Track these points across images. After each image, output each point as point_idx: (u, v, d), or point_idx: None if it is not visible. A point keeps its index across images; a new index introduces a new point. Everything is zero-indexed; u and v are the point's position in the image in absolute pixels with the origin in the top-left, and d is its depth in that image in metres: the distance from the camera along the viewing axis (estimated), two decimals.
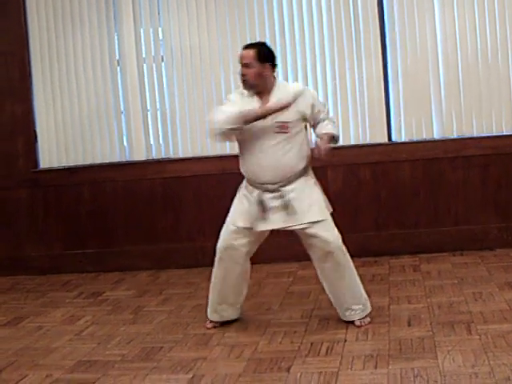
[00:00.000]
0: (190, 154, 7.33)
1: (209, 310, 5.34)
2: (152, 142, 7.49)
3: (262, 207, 4.99)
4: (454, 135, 7.01)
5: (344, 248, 5.04)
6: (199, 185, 7.28)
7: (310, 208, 4.97)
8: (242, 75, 5.02)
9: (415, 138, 7.05)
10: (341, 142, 6.91)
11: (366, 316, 5.06)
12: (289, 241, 6.96)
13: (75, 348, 5.08)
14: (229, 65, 7.22)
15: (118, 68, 7.53)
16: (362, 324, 5.00)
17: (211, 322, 5.31)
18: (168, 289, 6.57)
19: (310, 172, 5.17)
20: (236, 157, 7.15)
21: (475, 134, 6.97)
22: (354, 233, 6.99)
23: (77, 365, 4.73)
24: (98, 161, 7.55)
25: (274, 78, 5.11)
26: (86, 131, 7.57)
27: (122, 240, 7.45)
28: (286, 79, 7.06)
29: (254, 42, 5.24)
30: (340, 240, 5.02)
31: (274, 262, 7.01)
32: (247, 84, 5.03)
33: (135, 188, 7.45)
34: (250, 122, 4.89)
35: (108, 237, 7.50)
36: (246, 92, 5.10)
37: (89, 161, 7.57)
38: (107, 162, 7.54)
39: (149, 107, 7.52)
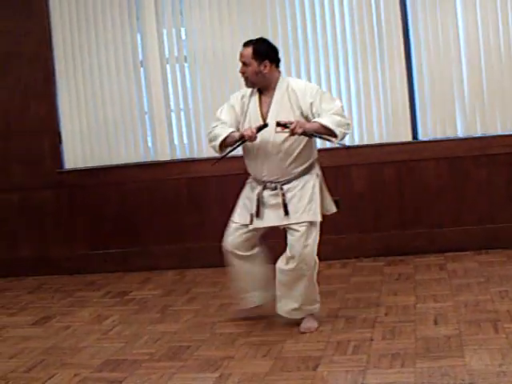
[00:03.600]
0: (214, 154, 7.31)
1: (239, 299, 5.40)
2: (176, 142, 7.52)
3: (260, 204, 5.05)
4: (478, 133, 6.98)
5: (315, 261, 5.00)
6: (223, 184, 7.29)
7: (306, 208, 4.97)
8: (241, 73, 5.06)
9: (439, 136, 7.04)
10: (365, 141, 7.01)
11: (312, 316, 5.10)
12: None
13: (102, 347, 5.12)
14: None
15: (142, 69, 7.56)
16: (309, 329, 5.01)
17: (245, 307, 5.37)
18: (194, 288, 6.60)
19: (315, 170, 5.14)
20: None
21: (499, 132, 6.94)
22: (378, 232, 7.01)
23: (104, 364, 4.76)
24: (123, 161, 7.59)
25: (279, 73, 5.09)
26: (111, 132, 7.61)
27: (147, 240, 7.49)
28: (309, 77, 7.08)
29: (253, 38, 5.14)
30: (312, 252, 4.98)
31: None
32: (248, 82, 5.07)
33: (160, 188, 7.48)
34: (233, 146, 5.01)
35: (133, 236, 7.53)
36: (248, 91, 5.13)
37: (114, 161, 7.60)
38: (132, 162, 7.57)
39: (172, 107, 7.54)
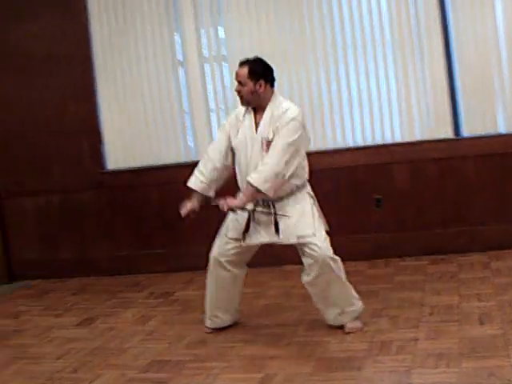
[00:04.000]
0: None
1: (205, 316, 5.45)
2: None
3: (252, 221, 5.09)
4: None
5: (333, 260, 4.99)
6: None
7: (296, 224, 4.99)
8: (237, 92, 5.10)
9: (480, 132, 6.97)
10: (406, 139, 6.98)
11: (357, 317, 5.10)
12: (355, 240, 7.02)
13: (147, 348, 5.17)
14: (289, 63, 7.23)
15: (181, 68, 7.59)
16: (355, 329, 5.03)
17: (208, 327, 5.42)
18: None
19: (306, 189, 5.17)
20: None
21: None
22: (420, 230, 6.97)
23: (149, 364, 4.80)
24: (164, 161, 7.62)
25: (273, 92, 5.13)
26: (151, 132, 7.65)
27: (189, 240, 7.50)
28: (348, 77, 7.06)
29: (249, 58, 5.16)
30: (328, 251, 4.97)
31: (341, 261, 6.98)
32: (243, 101, 5.11)
33: None
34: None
35: (176, 237, 7.56)
36: (243, 109, 5.18)
37: (154, 161, 7.64)
38: (173, 162, 7.60)
39: (212, 107, 7.57)
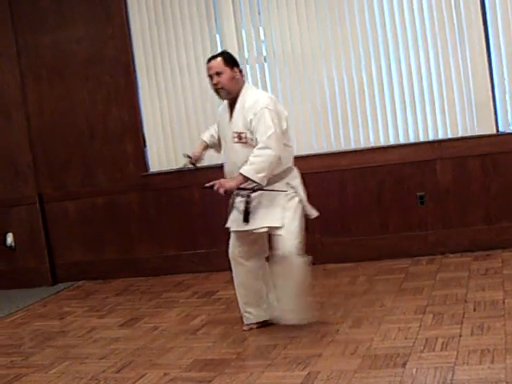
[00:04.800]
0: (295, 153, 7.30)
1: (242, 314, 5.50)
2: None
3: (235, 209, 5.24)
4: None
5: (300, 256, 5.06)
6: (305, 183, 7.25)
7: (266, 214, 5.07)
8: (215, 85, 5.16)
9: None
10: (449, 135, 6.92)
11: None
12: (399, 237, 6.98)
13: (191, 347, 5.17)
14: (330, 61, 7.21)
15: None
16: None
17: (246, 324, 5.45)
18: None
19: (287, 180, 5.21)
20: (340, 154, 7.19)
21: None
22: (464, 227, 6.90)
23: (193, 363, 4.81)
24: (205, 163, 7.60)
25: (243, 82, 5.23)
26: (194, 134, 7.65)
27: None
28: (391, 75, 7.02)
29: (215, 53, 5.34)
30: (291, 247, 5.02)
31: (384, 258, 6.97)
32: (223, 92, 5.17)
33: None
34: None
35: (219, 236, 7.53)
36: (225, 103, 5.31)
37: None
38: (215, 163, 7.60)
39: None
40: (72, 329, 6.13)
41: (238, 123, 5.12)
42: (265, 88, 7.44)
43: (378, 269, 6.73)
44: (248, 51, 7.50)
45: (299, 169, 7.21)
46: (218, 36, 7.59)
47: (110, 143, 7.88)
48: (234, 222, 5.25)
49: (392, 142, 7.11)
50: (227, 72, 5.10)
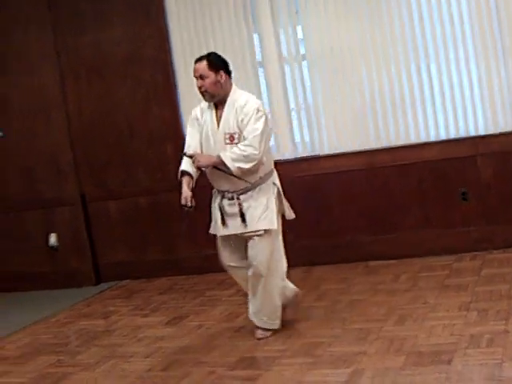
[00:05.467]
0: (336, 150, 7.34)
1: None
2: (298, 141, 7.55)
3: (221, 213, 5.22)
4: None
5: (275, 267, 5.22)
6: (347, 180, 7.28)
7: (262, 217, 5.13)
8: (199, 88, 5.17)
9: None
10: (490, 131, 6.87)
11: (270, 331, 5.26)
12: (442, 234, 6.94)
13: (235, 345, 5.20)
14: (369, 59, 7.19)
15: (261, 69, 7.62)
16: (262, 336, 5.23)
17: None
18: (322, 284, 6.59)
19: (272, 179, 5.29)
20: (382, 150, 7.16)
21: None
22: (507, 222, 6.85)
23: (239, 361, 4.83)
24: None
25: (231, 85, 5.24)
26: None
27: None
28: (429, 70, 6.99)
29: (203, 54, 5.31)
30: (268, 258, 5.15)
31: (427, 255, 6.94)
32: (207, 95, 5.19)
33: (285, 187, 7.47)
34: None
35: None
36: (206, 104, 5.29)
37: None
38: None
39: (293, 106, 7.57)
40: (117, 328, 6.19)
41: (230, 124, 5.15)
42: (304, 87, 7.45)
43: (421, 266, 6.69)
44: (286, 50, 7.50)
45: (341, 166, 7.26)
46: (255, 35, 7.59)
47: (150, 142, 7.94)
48: (230, 226, 5.23)
49: (433, 138, 7.07)
50: (211, 76, 5.12)
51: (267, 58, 7.54)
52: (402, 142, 7.10)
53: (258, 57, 7.63)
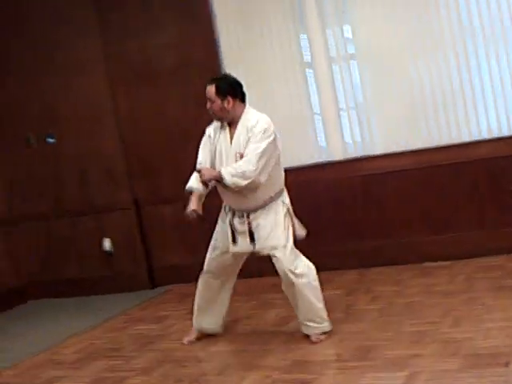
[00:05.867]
0: (387, 150, 7.29)
1: (193, 319, 5.86)
2: (348, 141, 7.52)
3: (232, 231, 5.41)
4: None
5: (301, 271, 5.30)
6: (399, 180, 7.22)
7: (270, 236, 5.28)
8: (208, 109, 5.39)
9: None
10: None
11: (321, 334, 5.29)
12: (496, 233, 6.85)
13: (290, 349, 5.19)
14: (418, 58, 7.10)
15: (309, 69, 7.60)
16: (317, 340, 5.23)
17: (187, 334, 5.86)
18: (376, 287, 6.55)
19: (282, 198, 5.42)
20: (434, 149, 7.08)
21: None
22: None
23: (293, 365, 4.83)
24: (296, 163, 7.63)
25: (244, 107, 5.38)
26: (283, 135, 7.28)
27: (326, 240, 7.48)
28: (479, 69, 6.90)
29: (217, 76, 5.62)
30: (295, 265, 5.29)
31: (482, 255, 6.83)
32: (215, 117, 5.43)
33: (335, 187, 7.48)
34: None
35: (312, 237, 7.52)
36: (219, 123, 5.45)
37: (287, 163, 7.59)
38: (305, 163, 7.62)
39: (342, 106, 7.54)
40: (172, 332, 6.22)
41: (240, 143, 5.29)
42: (353, 87, 7.40)
43: (476, 266, 6.59)
44: (334, 50, 7.46)
45: (392, 166, 7.20)
46: (303, 36, 7.57)
47: None
48: (241, 244, 5.39)
49: (485, 136, 6.98)
50: (217, 101, 5.29)
51: (315, 58, 7.51)
52: (453, 140, 7.02)
53: (306, 57, 7.59)
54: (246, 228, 5.31)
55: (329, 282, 6.93)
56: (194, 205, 5.41)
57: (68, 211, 8.62)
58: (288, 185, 7.53)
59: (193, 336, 5.82)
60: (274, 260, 5.30)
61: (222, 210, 5.62)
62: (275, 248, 5.25)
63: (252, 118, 5.29)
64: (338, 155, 7.49)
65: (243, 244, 5.36)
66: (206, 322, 5.78)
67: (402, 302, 5.88)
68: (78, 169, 8.53)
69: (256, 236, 5.30)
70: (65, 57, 8.38)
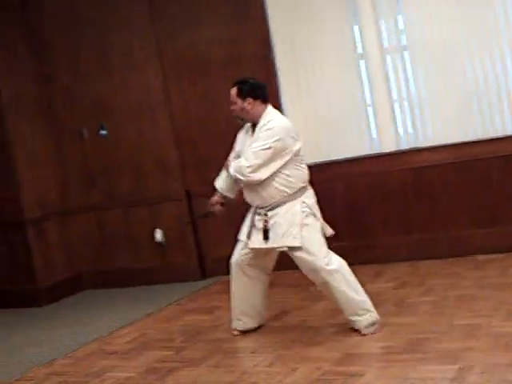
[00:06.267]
0: (439, 142, 7.22)
1: (232, 318, 5.85)
2: (401, 133, 7.46)
3: (253, 226, 5.53)
4: None
5: (334, 267, 5.31)
6: (450, 173, 7.15)
7: (285, 233, 5.34)
8: (232, 111, 5.60)
9: None
10: None
11: (369, 325, 5.25)
12: None
13: (340, 341, 5.17)
14: (472, 49, 7.03)
15: (362, 61, 7.55)
16: (367, 332, 5.22)
17: (235, 329, 5.83)
18: (428, 279, 6.48)
19: (302, 198, 5.44)
20: (485, 142, 7.00)
21: None
22: None
23: (344, 357, 4.80)
24: (349, 155, 7.61)
25: (265, 108, 5.52)
26: (335, 126, 7.66)
27: (377, 232, 7.47)
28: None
29: (241, 79, 5.66)
30: (314, 265, 5.30)
31: None
32: (237, 118, 5.63)
33: (386, 180, 7.44)
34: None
35: (364, 229, 7.54)
36: (246, 127, 5.69)
37: (339, 156, 7.64)
38: (357, 155, 7.59)
39: (395, 97, 7.48)
40: (222, 323, 6.22)
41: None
42: (406, 78, 7.34)
43: None
44: (387, 41, 7.40)
45: (446, 159, 7.12)
46: (356, 27, 7.52)
47: None
48: (255, 240, 5.49)
49: None
50: (238, 103, 5.51)
51: (368, 49, 7.46)
52: (507, 132, 6.93)
53: (359, 49, 7.55)
54: (261, 225, 5.43)
55: (380, 275, 6.94)
56: (214, 199, 5.84)
57: (121, 202, 8.71)
58: (339, 176, 7.59)
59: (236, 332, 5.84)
60: (296, 261, 5.41)
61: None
62: (292, 249, 5.34)
63: (266, 118, 5.45)
64: (389, 147, 7.44)
65: (256, 240, 5.48)
66: (244, 319, 5.80)
67: (455, 295, 5.82)
68: (131, 160, 8.61)
69: (271, 234, 5.39)
70: (119, 52, 8.49)
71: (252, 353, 5.29)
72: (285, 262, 7.80)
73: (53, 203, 8.93)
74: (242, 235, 5.67)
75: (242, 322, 5.77)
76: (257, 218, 5.50)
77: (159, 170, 8.46)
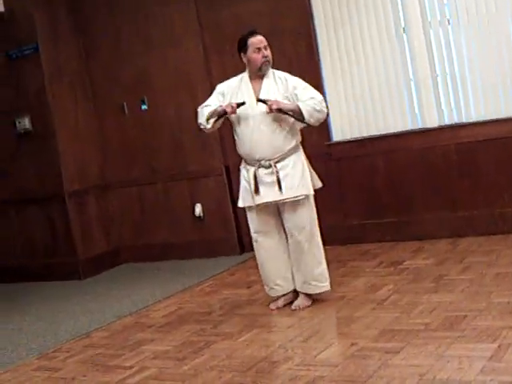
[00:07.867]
0: (483, 118, 7.10)
1: (266, 289, 5.91)
2: (443, 108, 7.35)
3: (256, 182, 5.50)
4: None
5: (314, 228, 5.62)
6: (495, 149, 7.03)
7: (299, 184, 5.47)
8: (266, 57, 5.54)
9: None
10: None
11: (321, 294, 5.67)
12: None
13: (378, 317, 5.12)
14: None
15: (404, 35, 7.44)
16: (302, 306, 5.62)
17: (273, 301, 5.87)
18: (468, 257, 6.39)
19: (301, 150, 5.64)
20: None
21: None
22: None
23: (381, 334, 4.75)
24: (390, 130, 7.53)
25: None
26: (377, 101, 7.58)
27: (419, 208, 7.39)
28: None
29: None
30: (309, 223, 5.57)
31: None
32: (268, 65, 5.58)
33: (429, 155, 7.35)
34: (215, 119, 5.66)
35: (405, 205, 7.47)
36: (235, 80, 5.72)
37: (381, 131, 7.57)
38: (399, 130, 7.51)
39: (438, 72, 7.37)
40: (259, 297, 6.21)
41: (269, 94, 5.49)
42: (450, 52, 7.22)
43: None
44: (430, 15, 7.28)
45: (489, 135, 7.00)
46: (399, 1, 7.41)
47: None
48: (267, 194, 5.49)
49: None
50: (269, 49, 5.60)
51: (411, 23, 7.35)
52: None
53: (402, 22, 7.43)
54: (274, 178, 5.44)
55: (420, 251, 6.88)
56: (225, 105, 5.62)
57: (161, 177, 8.73)
58: (381, 152, 7.53)
59: (280, 302, 5.80)
60: (289, 213, 5.54)
61: (242, 169, 5.73)
62: (305, 197, 5.49)
63: (281, 73, 5.62)
64: (432, 122, 7.34)
65: (270, 194, 5.47)
66: (278, 284, 5.81)
67: (494, 273, 5.72)
68: (171, 136, 8.63)
69: (284, 185, 5.43)
70: (159, 26, 8.52)
71: (288, 327, 5.28)
72: (327, 237, 7.84)
73: (93, 177, 9.01)
74: (244, 201, 5.71)
75: (280, 287, 5.79)
76: (263, 172, 5.50)
77: (199, 146, 8.45)
